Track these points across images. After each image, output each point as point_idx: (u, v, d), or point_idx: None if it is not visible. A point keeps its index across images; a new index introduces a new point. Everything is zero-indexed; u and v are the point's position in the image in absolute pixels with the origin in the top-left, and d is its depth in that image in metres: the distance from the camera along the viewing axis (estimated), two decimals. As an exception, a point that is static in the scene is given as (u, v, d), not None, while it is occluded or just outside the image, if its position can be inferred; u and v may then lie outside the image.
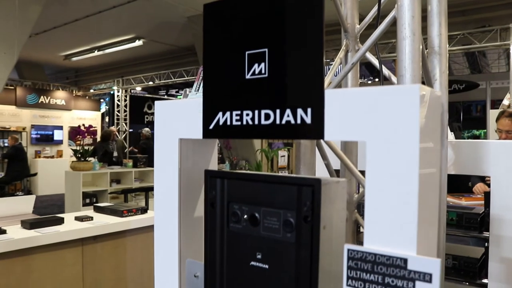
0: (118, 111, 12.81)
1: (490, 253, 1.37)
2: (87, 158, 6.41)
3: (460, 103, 11.37)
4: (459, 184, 2.89)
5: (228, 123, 0.77)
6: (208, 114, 0.80)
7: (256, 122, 0.73)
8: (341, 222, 0.75)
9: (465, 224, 1.45)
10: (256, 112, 0.73)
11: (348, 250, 0.63)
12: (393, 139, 0.59)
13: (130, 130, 12.93)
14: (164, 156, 0.89)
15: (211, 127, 0.80)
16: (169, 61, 11.65)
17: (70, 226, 2.75)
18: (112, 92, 13.65)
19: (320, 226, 0.67)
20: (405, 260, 0.59)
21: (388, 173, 0.60)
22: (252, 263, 0.75)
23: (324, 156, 1.16)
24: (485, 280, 1.40)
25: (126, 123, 12.71)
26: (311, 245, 0.68)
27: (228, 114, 0.77)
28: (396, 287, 0.59)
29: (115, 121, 12.79)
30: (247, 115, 0.74)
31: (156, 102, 0.91)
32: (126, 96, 13.08)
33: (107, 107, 15.22)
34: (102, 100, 14.96)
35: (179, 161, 0.87)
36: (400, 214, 0.59)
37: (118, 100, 12.93)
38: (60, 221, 2.79)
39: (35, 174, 10.51)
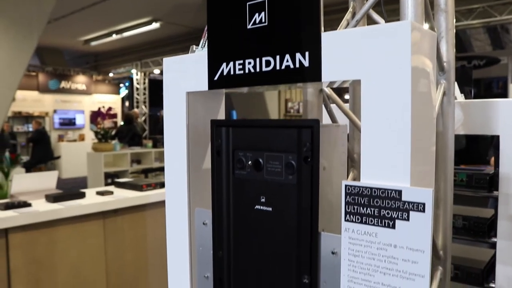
0: (138, 94, 12.93)
1: (499, 212, 1.38)
2: (109, 140, 6.53)
3: (481, 80, 11.14)
4: (478, 156, 2.87)
5: (232, 72, 0.80)
6: (212, 66, 0.83)
7: (258, 69, 0.76)
8: (342, 166, 0.78)
9: (475, 184, 1.46)
10: (258, 60, 0.76)
11: (346, 186, 0.66)
12: (386, 75, 0.61)
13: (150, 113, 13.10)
14: (173, 111, 0.93)
15: (216, 78, 0.83)
16: (187, 42, 11.66)
17: (91, 200, 2.84)
18: (131, 76, 13.77)
19: (320, 167, 0.70)
20: (399, 192, 0.61)
21: (382, 109, 0.62)
22: (257, 207, 0.78)
23: (333, 119, 1.18)
24: (494, 239, 1.41)
25: (145, 106, 12.84)
26: (312, 186, 0.70)
27: (231, 64, 0.80)
28: (391, 218, 0.62)
29: (135, 104, 12.92)
30: (249, 63, 0.77)
31: (164, 59, 0.94)
32: (145, 79, 13.19)
33: (127, 91, 15.37)
34: (121, 84, 15.12)
35: (186, 115, 0.90)
36: (394, 148, 0.62)
37: (138, 84, 13.04)
38: (82, 195, 2.88)
39: (59, 157, 10.74)
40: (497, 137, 1.39)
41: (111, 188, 3.25)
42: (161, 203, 3.14)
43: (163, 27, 10.23)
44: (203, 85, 0.85)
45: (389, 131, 0.62)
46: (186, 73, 0.89)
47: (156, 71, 13.06)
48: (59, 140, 12.27)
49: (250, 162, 0.79)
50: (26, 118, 12.05)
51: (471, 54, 10.68)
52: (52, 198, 2.75)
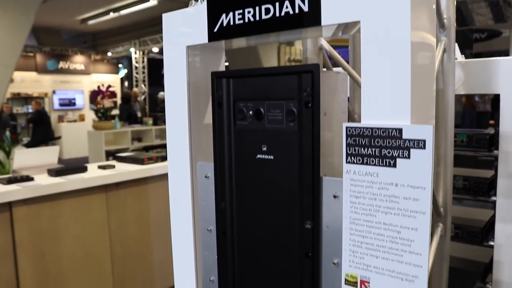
0: (137, 73, 12.87)
1: (499, 170, 1.39)
2: (109, 119, 6.53)
3: (482, 54, 11.05)
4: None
5: (231, 23, 0.79)
6: (212, 17, 0.82)
7: (257, 18, 0.75)
8: (343, 113, 0.79)
9: (475, 144, 1.47)
10: (257, 8, 0.75)
11: (347, 127, 0.66)
12: (385, 14, 0.61)
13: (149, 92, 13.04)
14: (173, 66, 0.93)
15: (215, 29, 0.82)
16: (185, 20, 11.53)
17: (93, 174, 2.86)
18: (129, 55, 13.67)
19: (320, 112, 0.71)
20: (400, 130, 0.61)
21: (382, 49, 0.62)
22: (259, 156, 0.78)
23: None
24: (494, 198, 1.42)
25: (145, 85, 12.79)
26: (313, 131, 0.71)
27: (231, 14, 0.79)
28: (392, 157, 0.62)
29: (134, 83, 12.87)
30: (249, 12, 0.77)
31: (163, 15, 0.93)
32: (143, 58, 13.11)
33: (126, 71, 15.28)
34: (120, 64, 15.02)
35: (187, 70, 0.90)
36: (394, 87, 0.62)
37: (136, 63, 12.96)
38: (84, 169, 2.90)
39: (59, 138, 10.75)
40: (498, 95, 1.39)
41: (112, 162, 3.27)
42: (163, 176, 3.16)
43: (161, 4, 10.12)
44: (203, 38, 0.84)
45: (388, 71, 0.62)
46: (185, 27, 0.89)
47: (155, 50, 12.97)
48: (59, 121, 12.26)
49: (251, 112, 0.79)
50: (25, 99, 12.03)
51: (472, 27, 10.56)
52: (54, 172, 2.77)
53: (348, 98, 1.42)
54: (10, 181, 2.60)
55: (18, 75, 11.44)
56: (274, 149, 0.76)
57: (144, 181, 3.05)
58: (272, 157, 0.77)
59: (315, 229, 0.72)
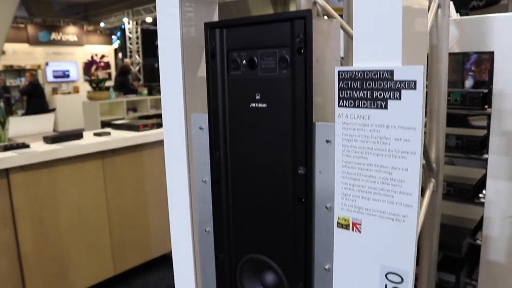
0: (131, 44, 12.72)
1: (491, 128, 1.40)
2: (103, 87, 6.49)
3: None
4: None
5: (224, -30, 0.79)
6: (204, -34, 0.82)
7: (250, -36, 0.75)
8: (335, 61, 0.79)
9: (468, 103, 1.48)
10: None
11: (339, 71, 0.67)
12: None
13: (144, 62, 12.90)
14: (166, 19, 0.92)
15: (207, -22, 0.82)
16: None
17: (89, 140, 2.86)
18: (123, 26, 13.47)
19: (313, 58, 0.71)
20: (391, 72, 0.62)
21: (375, -9, 0.62)
22: (252, 104, 0.79)
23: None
24: (486, 156, 1.44)
25: (139, 55, 12.65)
26: (305, 78, 0.71)
27: (223, -38, 0.79)
28: (384, 99, 0.63)
29: (128, 54, 12.73)
30: (241, -41, 0.76)
31: (155, -34, 0.92)
32: (137, 28, 12.92)
33: (119, 42, 15.09)
34: (113, 35, 14.82)
35: (180, 23, 0.90)
36: (385, 29, 0.62)
37: (130, 33, 12.79)
38: (80, 136, 2.90)
39: (54, 110, 10.70)
40: (492, 53, 1.39)
41: (108, 129, 3.27)
42: (159, 143, 3.17)
43: (153, -28, 9.92)
44: (195, -13, 0.84)
45: (380, 11, 0.62)
46: (177, -23, 0.88)
47: (149, 20, 12.78)
48: (53, 93, 12.17)
49: (244, 62, 0.79)
50: (18, 71, 11.91)
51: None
52: (50, 139, 2.77)
53: (342, 58, 1.43)
54: (6, 148, 2.61)
55: (9, 47, 11.29)
56: (267, 97, 0.77)
57: (140, 148, 3.06)
58: (265, 105, 0.77)
59: (308, 175, 0.74)
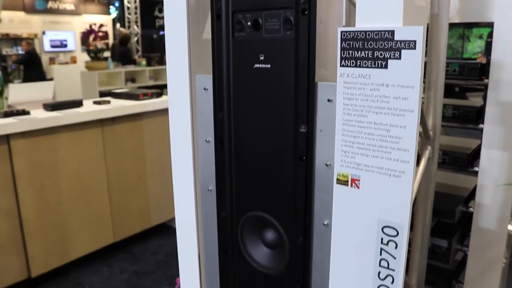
0: (129, 14, 12.54)
1: (488, 98, 1.43)
2: (102, 57, 6.45)
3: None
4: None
5: None
6: None
7: None
8: (338, 23, 0.81)
9: (467, 74, 1.50)
10: None
11: (342, 32, 0.69)
12: None
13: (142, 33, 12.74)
14: (171, -20, 0.93)
15: None
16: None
17: (89, 108, 2.87)
18: (121, -4, 13.27)
19: (316, 20, 0.73)
20: (392, 32, 0.64)
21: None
22: (256, 65, 0.81)
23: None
24: (481, 125, 1.47)
25: (137, 26, 12.49)
26: (309, 38, 0.73)
27: None
28: (384, 59, 0.65)
29: (126, 24, 12.56)
30: None
31: None
32: (135, -2, 12.73)
33: (117, 13, 14.88)
34: (111, 6, 14.60)
35: (185, -17, 0.91)
36: (389, -10, 0.64)
37: (128, 3, 12.61)
38: (79, 104, 2.91)
39: (51, 79, 10.62)
40: (492, 23, 1.40)
41: (108, 98, 3.28)
42: (158, 112, 3.19)
43: None
44: (201, -52, 0.85)
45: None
46: None
47: (147, -11, 12.57)
48: (51, 63, 12.06)
49: (249, 23, 0.81)
50: (14, 40, 11.76)
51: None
52: (50, 107, 2.78)
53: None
54: (7, 114, 2.62)
55: (5, 15, 11.13)
56: (271, 58, 0.79)
57: (139, 116, 3.08)
58: (269, 65, 0.79)
59: (309, 133, 0.76)
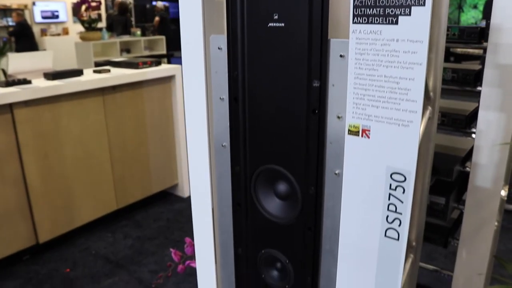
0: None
1: (486, 61, 1.47)
2: (96, 27, 6.40)
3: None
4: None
5: None
6: None
7: None
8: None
9: (466, 37, 1.54)
10: None
11: (354, -10, 0.73)
12: None
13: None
14: None
15: None
16: None
17: (89, 77, 2.89)
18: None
19: (330, -21, 0.76)
20: (403, -11, 0.68)
21: None
22: (270, 24, 0.85)
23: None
24: (479, 88, 1.52)
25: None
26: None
27: None
28: (395, 15, 0.70)
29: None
30: None
31: None
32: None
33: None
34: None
35: None
36: (400, -52, 0.68)
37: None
38: (80, 72, 2.93)
39: (44, 50, 10.52)
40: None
41: (107, 67, 3.29)
42: (158, 81, 3.21)
43: None
44: None
45: None
46: None
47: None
48: (42, 35, 11.91)
49: (263, -17, 0.84)
50: (3, 11, 11.58)
51: None
52: (51, 76, 2.80)
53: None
54: (8, 84, 2.64)
55: (-7, -16, 10.94)
56: (285, 16, 0.83)
57: (139, 85, 3.10)
58: (283, 24, 0.83)
59: (322, 87, 0.81)
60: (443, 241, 1.62)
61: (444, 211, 1.55)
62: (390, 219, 0.79)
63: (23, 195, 2.64)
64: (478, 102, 1.54)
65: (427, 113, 1.39)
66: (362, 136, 0.78)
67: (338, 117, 0.81)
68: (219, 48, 0.96)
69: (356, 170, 0.80)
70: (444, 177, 1.52)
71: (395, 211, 0.77)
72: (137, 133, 3.20)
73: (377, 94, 0.74)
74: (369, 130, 0.77)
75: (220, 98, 0.98)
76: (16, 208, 2.62)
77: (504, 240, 2.86)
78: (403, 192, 0.76)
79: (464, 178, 1.65)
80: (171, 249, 1.62)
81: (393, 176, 0.76)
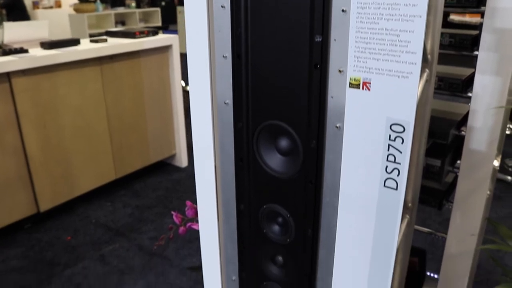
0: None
1: (484, 25, 1.49)
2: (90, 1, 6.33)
3: None
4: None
5: None
6: None
7: None
8: None
9: (464, 2, 1.55)
10: None
11: None
12: None
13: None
14: None
15: None
16: None
17: (87, 46, 2.88)
18: None
19: None
20: None
21: None
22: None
23: None
24: (476, 52, 1.54)
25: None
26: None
27: None
28: (396, -32, 0.71)
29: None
30: None
31: None
32: None
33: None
34: None
35: None
36: None
37: None
38: (77, 42, 2.92)
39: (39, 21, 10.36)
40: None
41: (104, 36, 3.27)
42: (155, 50, 3.21)
43: None
44: None
45: None
46: None
47: None
48: (34, 7, 11.72)
49: None
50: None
51: None
52: (48, 45, 2.79)
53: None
54: (5, 52, 2.63)
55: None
56: (288, -28, 0.84)
57: (136, 54, 3.10)
58: (286, -20, 0.85)
59: (324, 42, 0.83)
60: (438, 203, 1.67)
61: (439, 173, 1.59)
62: (389, 170, 0.82)
63: (23, 164, 2.67)
64: (475, 67, 1.56)
65: (425, 75, 1.41)
66: (363, 88, 0.80)
67: (340, 71, 0.84)
68: (222, 7, 0.97)
69: (357, 122, 0.82)
70: (440, 140, 1.55)
71: (394, 161, 0.81)
72: (135, 103, 3.21)
73: (378, 47, 0.76)
74: (370, 83, 0.79)
75: (223, 56, 1.00)
76: (17, 177, 2.65)
77: (495, 208, 2.93)
78: (402, 142, 0.79)
79: (459, 143, 1.69)
80: (172, 212, 1.65)
81: (392, 127, 0.79)
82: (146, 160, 3.44)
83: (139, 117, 3.26)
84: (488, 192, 1.73)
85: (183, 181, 3.45)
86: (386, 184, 0.83)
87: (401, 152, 0.79)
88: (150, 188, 3.35)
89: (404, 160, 0.80)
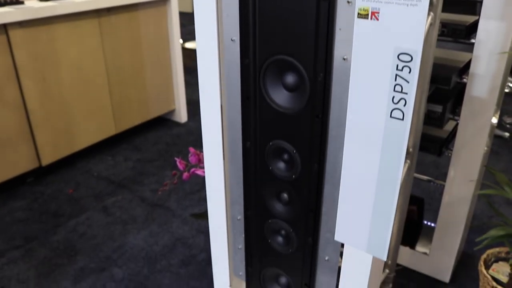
0: None
1: (482, 13, 1.49)
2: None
3: None
4: None
5: None
6: None
7: None
8: None
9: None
10: None
11: None
12: None
13: None
14: None
15: None
16: None
17: (84, -2, 2.84)
18: None
19: None
20: None
21: None
22: None
23: None
24: (472, 40, 1.55)
25: None
26: None
27: None
28: None
29: None
30: None
31: None
32: None
33: None
34: None
35: None
36: None
37: None
38: (74, -7, 2.86)
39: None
40: None
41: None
42: (153, 4, 3.16)
43: None
44: None
45: None
46: None
47: None
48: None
49: None
50: None
51: None
52: (44, -4, 2.74)
53: None
54: (0, 4, 2.58)
55: None
56: None
57: (134, 7, 3.05)
58: None
59: (333, -28, 0.83)
60: (438, 149, 1.69)
61: (440, 119, 1.60)
62: (395, 100, 0.83)
63: (23, 118, 2.67)
64: (479, 14, 1.55)
65: (429, 18, 1.41)
66: (371, 18, 0.80)
67: (348, 2, 0.84)
68: None
69: (365, 53, 0.83)
70: (442, 85, 1.56)
71: (401, 91, 0.82)
72: (134, 58, 3.19)
73: (388, -27, 0.76)
74: (378, 12, 0.79)
75: (232, 39, 1.00)
76: (18, 131, 2.65)
77: (492, 162, 2.97)
78: (409, 72, 0.80)
79: (461, 90, 1.70)
80: (176, 158, 1.67)
81: (400, 56, 0.80)
82: (146, 115, 3.44)
83: (138, 72, 3.25)
84: (485, 148, 1.76)
85: (183, 136, 3.46)
86: (392, 115, 0.84)
87: (408, 82, 0.80)
88: (150, 143, 3.37)
89: (411, 90, 0.81)
